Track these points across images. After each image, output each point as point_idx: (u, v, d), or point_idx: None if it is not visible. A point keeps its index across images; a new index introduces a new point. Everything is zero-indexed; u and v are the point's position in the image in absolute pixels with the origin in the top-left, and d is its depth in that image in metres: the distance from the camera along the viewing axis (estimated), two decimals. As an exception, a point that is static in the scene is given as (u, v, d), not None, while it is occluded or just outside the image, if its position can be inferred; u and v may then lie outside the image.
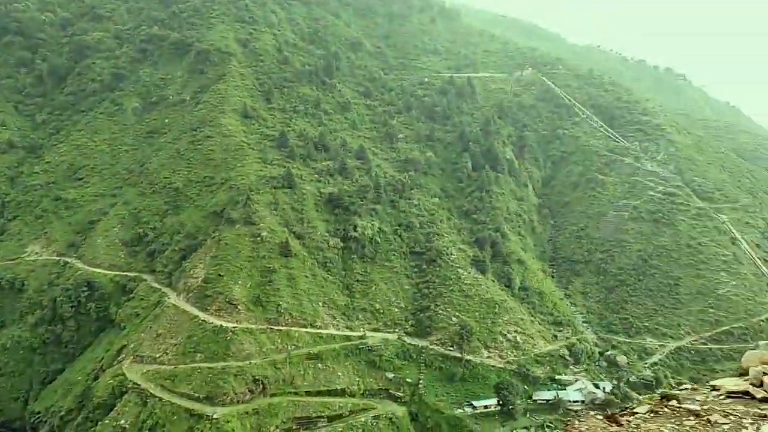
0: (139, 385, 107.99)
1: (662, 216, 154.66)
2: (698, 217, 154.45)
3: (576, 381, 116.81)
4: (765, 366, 11.40)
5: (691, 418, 9.03)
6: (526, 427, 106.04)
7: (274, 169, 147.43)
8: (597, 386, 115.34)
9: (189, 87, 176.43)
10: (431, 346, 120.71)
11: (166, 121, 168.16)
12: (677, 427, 8.77)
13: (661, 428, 8.81)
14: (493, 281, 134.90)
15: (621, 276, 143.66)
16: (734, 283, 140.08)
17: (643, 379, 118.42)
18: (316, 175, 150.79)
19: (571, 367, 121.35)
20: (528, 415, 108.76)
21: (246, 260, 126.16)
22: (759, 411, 8.98)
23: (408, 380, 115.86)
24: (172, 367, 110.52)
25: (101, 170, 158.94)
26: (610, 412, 10.64)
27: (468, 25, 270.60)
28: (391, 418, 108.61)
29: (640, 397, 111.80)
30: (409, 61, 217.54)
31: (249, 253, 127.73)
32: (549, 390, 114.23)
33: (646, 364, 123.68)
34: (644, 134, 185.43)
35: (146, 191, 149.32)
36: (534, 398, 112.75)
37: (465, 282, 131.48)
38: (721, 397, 10.63)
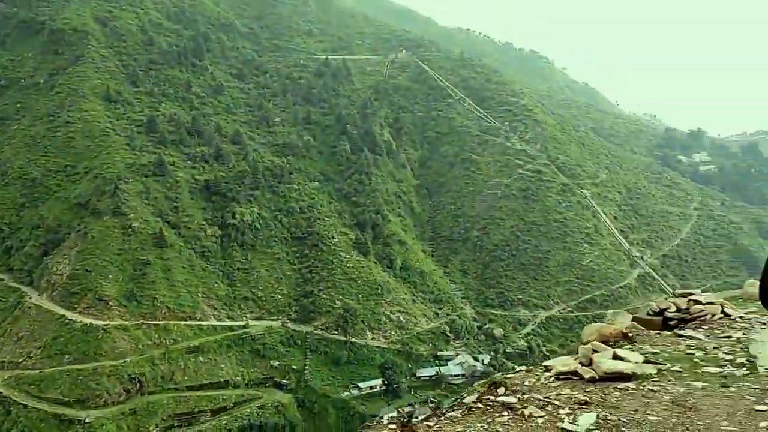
0: (0, 392, 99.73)
1: (531, 193, 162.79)
2: (563, 193, 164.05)
3: (457, 356, 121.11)
4: (595, 343, 11.21)
5: (505, 413, 8.27)
6: (410, 404, 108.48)
7: (144, 156, 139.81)
8: (476, 359, 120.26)
9: (43, 69, 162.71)
10: (315, 331, 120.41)
11: (18, 106, 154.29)
12: (486, 427, 7.99)
13: (467, 430, 8.02)
14: (375, 263, 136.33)
15: (495, 252, 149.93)
16: (596, 253, 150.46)
17: (517, 349, 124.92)
18: (190, 162, 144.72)
19: (452, 342, 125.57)
20: (412, 392, 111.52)
21: (116, 253, 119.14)
22: (581, 397, 8.65)
23: (293, 367, 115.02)
24: (38, 371, 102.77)
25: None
26: (406, 421, 9.80)
27: (341, 7, 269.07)
28: (277, 407, 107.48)
29: (476, 385, 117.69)
30: (283, 43, 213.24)
31: (119, 245, 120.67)
32: (432, 366, 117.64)
33: (520, 334, 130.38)
34: (513, 114, 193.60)
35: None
36: (417, 375, 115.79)
37: (347, 265, 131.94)
38: (551, 380, 10.22)
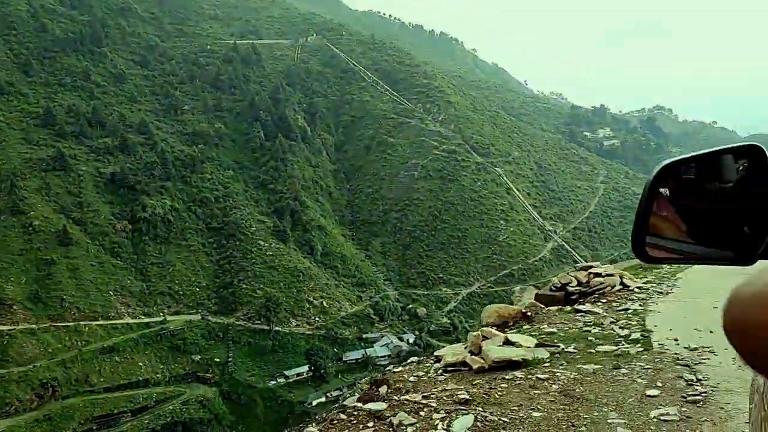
0: None
1: (447, 173, 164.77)
2: (478, 172, 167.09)
3: (382, 337, 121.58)
4: (485, 329, 10.61)
5: (370, 424, 7.29)
6: (338, 388, 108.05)
7: (42, 150, 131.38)
8: (401, 339, 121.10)
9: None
10: (238, 323, 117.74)
11: None
12: None
13: None
14: (296, 250, 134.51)
15: (415, 233, 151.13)
16: (512, 229, 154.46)
17: (441, 326, 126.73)
18: (93, 154, 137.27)
19: (376, 324, 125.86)
20: (339, 376, 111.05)
21: (17, 254, 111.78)
22: (463, 396, 7.57)
23: (216, 360, 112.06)
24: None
25: None
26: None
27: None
28: (201, 402, 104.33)
29: (440, 343, 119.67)
30: (188, 28, 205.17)
31: (21, 245, 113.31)
32: (357, 349, 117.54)
33: (443, 312, 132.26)
34: (426, 96, 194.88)
35: None
36: (344, 359, 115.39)
37: (267, 253, 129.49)
38: (440, 372, 9.45)
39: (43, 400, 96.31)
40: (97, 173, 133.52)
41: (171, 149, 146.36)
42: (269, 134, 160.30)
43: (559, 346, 9.61)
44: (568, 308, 13.19)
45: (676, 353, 9.04)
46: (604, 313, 12.09)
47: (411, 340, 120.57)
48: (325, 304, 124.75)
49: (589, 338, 10.11)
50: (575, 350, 9.50)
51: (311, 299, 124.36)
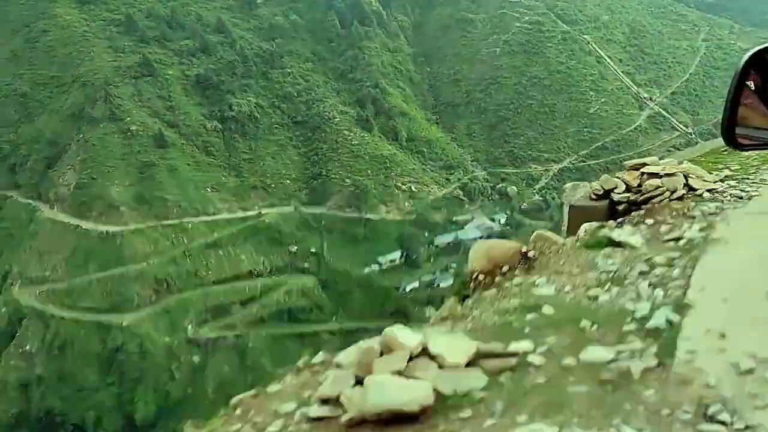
0: (36, 308, 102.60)
1: (532, 46, 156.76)
2: (564, 42, 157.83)
3: (473, 219, 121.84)
4: (387, 336, 5.62)
5: None
6: (432, 272, 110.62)
7: (129, 57, 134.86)
8: (493, 220, 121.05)
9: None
10: (329, 212, 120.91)
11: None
12: None
13: None
14: (380, 137, 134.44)
15: (501, 112, 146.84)
16: (603, 100, 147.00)
17: (533, 204, 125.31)
18: (176, 58, 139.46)
19: (466, 206, 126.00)
20: (432, 261, 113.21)
21: (120, 159, 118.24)
22: None
23: (312, 250, 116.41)
24: (66, 283, 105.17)
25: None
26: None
27: None
28: (302, 290, 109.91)
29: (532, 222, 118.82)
30: None
31: (121, 150, 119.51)
32: (449, 233, 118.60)
33: (534, 190, 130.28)
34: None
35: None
36: (436, 243, 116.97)
37: (352, 143, 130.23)
38: (305, 418, 5.02)
39: (160, 294, 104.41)
40: (183, 76, 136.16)
41: (249, 46, 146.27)
42: (345, 22, 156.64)
43: (515, 355, 4.92)
44: (592, 240, 9.31)
45: (709, 384, 4.21)
46: (643, 248, 8.28)
47: (502, 221, 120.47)
48: (413, 189, 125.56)
49: (583, 324, 5.59)
50: (544, 358, 4.90)
51: (400, 185, 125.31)
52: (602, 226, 9.95)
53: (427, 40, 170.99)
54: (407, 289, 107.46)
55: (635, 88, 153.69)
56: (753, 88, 1.95)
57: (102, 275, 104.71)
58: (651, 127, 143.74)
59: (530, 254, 9.08)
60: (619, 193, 10.83)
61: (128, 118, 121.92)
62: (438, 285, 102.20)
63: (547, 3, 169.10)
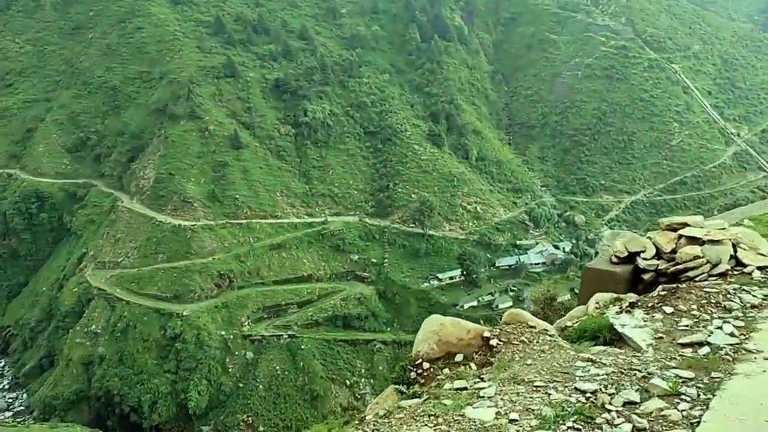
0: (105, 290, 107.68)
1: (615, 71, 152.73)
2: (650, 69, 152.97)
3: (537, 244, 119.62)
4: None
5: None
6: (490, 293, 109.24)
7: (214, 58, 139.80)
8: (557, 247, 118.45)
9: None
10: (393, 225, 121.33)
11: (91, 14, 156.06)
12: None
13: None
14: (450, 154, 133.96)
15: (576, 137, 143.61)
16: (687, 132, 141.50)
17: (600, 235, 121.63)
18: (258, 61, 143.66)
19: (531, 231, 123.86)
20: (492, 282, 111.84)
21: (196, 156, 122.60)
22: None
23: (373, 260, 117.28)
24: (135, 270, 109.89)
25: (30, 73, 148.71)
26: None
27: None
28: (359, 298, 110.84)
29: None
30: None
31: (198, 148, 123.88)
32: (511, 256, 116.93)
33: (603, 221, 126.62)
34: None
35: (82, 93, 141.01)
36: (497, 265, 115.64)
37: (422, 158, 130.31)
38: None
39: (221, 289, 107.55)
40: (263, 79, 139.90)
41: (330, 54, 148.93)
42: (425, 35, 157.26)
43: None
44: (589, 325, 7.66)
45: None
46: (648, 353, 6.49)
47: (567, 249, 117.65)
48: (479, 209, 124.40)
49: None
50: None
51: (465, 204, 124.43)
52: (617, 300, 8.25)
53: (507, 58, 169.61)
54: (465, 307, 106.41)
55: (722, 122, 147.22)
56: None
57: (169, 266, 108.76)
58: (736, 165, 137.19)
59: (492, 342, 7.15)
60: (647, 259, 8.86)
61: (207, 117, 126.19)
62: (497, 306, 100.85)
63: (636, 28, 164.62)
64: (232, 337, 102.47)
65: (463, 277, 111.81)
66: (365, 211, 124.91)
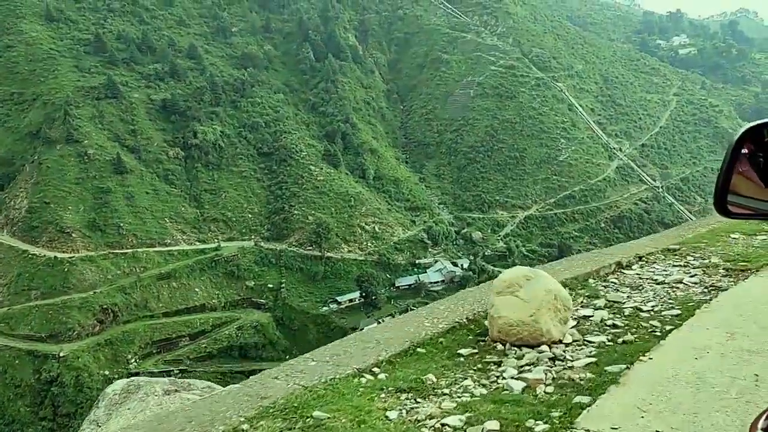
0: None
1: (505, 90, 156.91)
2: (538, 88, 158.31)
3: (435, 262, 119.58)
4: None
5: None
6: (390, 314, 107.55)
7: (94, 78, 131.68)
8: (455, 264, 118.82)
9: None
10: (290, 249, 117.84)
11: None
12: None
13: None
14: (347, 174, 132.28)
15: (471, 154, 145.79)
16: (573, 148, 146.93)
17: (497, 251, 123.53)
18: (144, 81, 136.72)
19: (430, 249, 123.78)
20: (392, 302, 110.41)
21: (74, 183, 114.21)
22: None
23: (270, 286, 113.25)
24: (5, 309, 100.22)
25: None
26: None
27: None
28: (256, 327, 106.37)
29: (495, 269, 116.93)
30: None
31: (77, 174, 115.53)
32: (410, 275, 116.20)
33: (499, 236, 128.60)
34: (483, 8, 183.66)
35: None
36: (396, 285, 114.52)
37: (318, 178, 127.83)
38: None
39: (104, 324, 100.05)
40: (149, 100, 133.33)
41: (220, 73, 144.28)
42: (319, 55, 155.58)
43: None
44: None
45: None
46: None
47: (465, 266, 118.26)
48: (377, 229, 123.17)
49: None
50: None
51: (363, 224, 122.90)
52: None
53: (402, 77, 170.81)
54: (365, 330, 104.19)
55: (605, 138, 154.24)
56: (747, 159, 2.41)
57: (44, 302, 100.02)
58: (620, 179, 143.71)
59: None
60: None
61: (86, 141, 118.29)
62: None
63: (522, 49, 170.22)
64: (116, 376, 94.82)
65: (362, 299, 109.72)
66: (261, 234, 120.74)
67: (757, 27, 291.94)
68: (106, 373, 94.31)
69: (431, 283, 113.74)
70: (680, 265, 10.49)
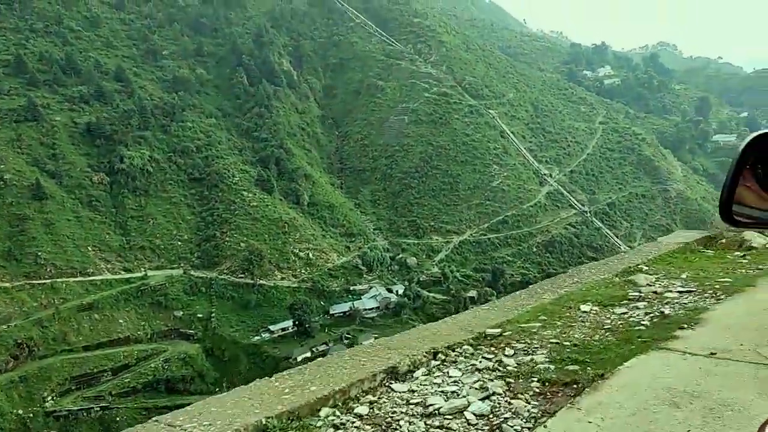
0: None
1: (439, 117, 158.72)
2: (470, 115, 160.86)
3: (370, 289, 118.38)
4: None
5: None
6: (324, 342, 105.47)
7: (13, 100, 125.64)
8: (390, 290, 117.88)
9: None
10: (221, 277, 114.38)
11: None
12: None
13: None
14: (281, 200, 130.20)
15: (406, 180, 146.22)
16: (505, 174, 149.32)
17: (432, 276, 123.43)
18: (67, 104, 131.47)
19: (364, 275, 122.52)
20: (326, 331, 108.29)
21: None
22: None
23: (199, 315, 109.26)
24: None
25: None
26: None
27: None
28: (184, 358, 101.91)
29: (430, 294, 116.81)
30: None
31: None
32: (345, 302, 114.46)
33: (434, 262, 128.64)
34: (417, 36, 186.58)
35: None
36: (331, 312, 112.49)
37: (251, 204, 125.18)
38: None
39: (19, 360, 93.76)
40: (72, 123, 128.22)
41: (150, 97, 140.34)
42: (253, 80, 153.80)
43: None
44: None
45: None
46: None
47: (400, 291, 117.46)
48: (311, 256, 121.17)
49: None
50: None
51: (297, 251, 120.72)
52: None
53: (337, 103, 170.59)
54: (298, 359, 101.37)
55: (536, 164, 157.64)
56: (751, 170, 2.45)
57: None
58: (550, 204, 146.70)
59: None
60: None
61: (3, 166, 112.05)
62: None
63: (455, 76, 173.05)
64: (32, 415, 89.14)
65: (296, 328, 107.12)
66: (190, 262, 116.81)
67: (677, 59, 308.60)
68: (20, 412, 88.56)
69: (366, 309, 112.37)
70: (486, 369, 6.42)
